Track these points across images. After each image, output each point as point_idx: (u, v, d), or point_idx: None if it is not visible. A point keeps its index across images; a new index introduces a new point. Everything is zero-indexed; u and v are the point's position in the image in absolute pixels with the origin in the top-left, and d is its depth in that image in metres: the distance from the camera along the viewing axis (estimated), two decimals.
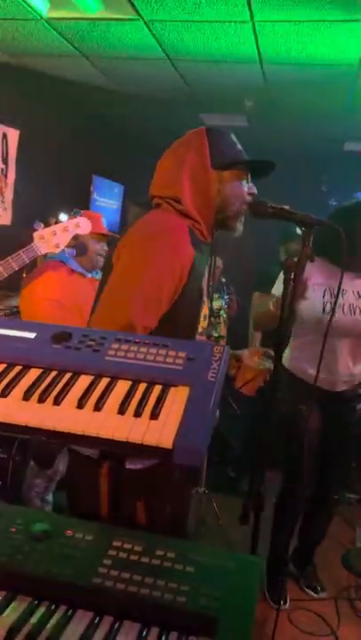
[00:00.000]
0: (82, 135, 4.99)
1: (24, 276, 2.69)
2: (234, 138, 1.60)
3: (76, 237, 2.35)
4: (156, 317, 1.39)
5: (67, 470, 1.59)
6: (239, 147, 1.59)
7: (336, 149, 5.53)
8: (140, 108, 4.98)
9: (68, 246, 2.32)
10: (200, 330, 1.59)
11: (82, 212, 2.38)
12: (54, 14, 3.10)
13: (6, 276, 2.16)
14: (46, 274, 2.42)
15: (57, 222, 2.28)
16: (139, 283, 1.38)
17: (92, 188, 5.36)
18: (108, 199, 5.72)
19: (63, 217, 2.31)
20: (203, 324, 1.61)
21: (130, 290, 1.39)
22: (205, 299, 1.61)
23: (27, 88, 4.18)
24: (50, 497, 2.72)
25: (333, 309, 1.99)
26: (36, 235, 2.23)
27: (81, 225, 2.32)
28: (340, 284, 1.72)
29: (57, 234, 2.25)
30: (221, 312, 3.75)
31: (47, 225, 2.26)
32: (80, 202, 5.00)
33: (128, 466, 1.38)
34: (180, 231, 1.46)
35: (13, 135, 4.07)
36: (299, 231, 1.56)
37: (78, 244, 2.45)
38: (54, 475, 2.66)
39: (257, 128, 5.07)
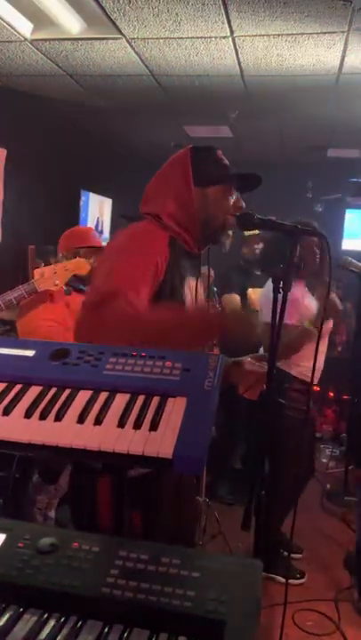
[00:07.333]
0: (69, 152, 5.04)
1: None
2: (220, 154, 1.62)
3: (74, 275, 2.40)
4: (139, 293, 1.42)
5: (69, 481, 1.60)
6: (225, 162, 1.62)
7: (320, 156, 5.61)
8: (126, 123, 5.04)
9: (67, 284, 2.35)
10: None
11: (81, 252, 2.47)
12: (38, 35, 3.15)
13: (4, 310, 2.19)
14: (44, 305, 2.45)
15: (57, 262, 2.33)
16: (122, 262, 1.47)
17: (80, 203, 5.40)
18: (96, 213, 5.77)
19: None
20: None
21: (114, 266, 1.47)
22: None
23: (13, 108, 4.23)
24: (52, 513, 2.72)
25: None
26: (36, 272, 2.27)
27: (81, 266, 2.37)
28: (329, 288, 1.75)
29: (57, 272, 2.29)
30: None
31: (47, 264, 2.32)
32: (69, 217, 5.04)
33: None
34: (157, 234, 1.53)
35: (0, 154, 4.11)
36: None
37: (78, 280, 2.48)
38: (57, 491, 2.66)
39: (241, 139, 5.14)
